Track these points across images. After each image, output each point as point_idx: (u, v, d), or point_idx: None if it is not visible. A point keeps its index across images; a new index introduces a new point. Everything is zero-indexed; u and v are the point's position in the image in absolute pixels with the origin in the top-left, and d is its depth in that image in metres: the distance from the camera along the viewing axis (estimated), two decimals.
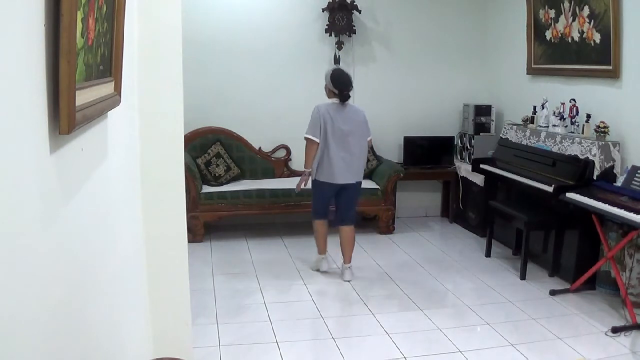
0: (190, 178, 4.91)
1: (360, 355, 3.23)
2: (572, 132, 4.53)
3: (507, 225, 4.87)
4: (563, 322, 3.64)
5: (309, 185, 4.30)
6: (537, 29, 5.13)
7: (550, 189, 4.14)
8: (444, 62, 6.04)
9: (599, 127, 4.17)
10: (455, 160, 5.95)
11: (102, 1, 1.50)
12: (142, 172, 2.54)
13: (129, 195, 2.31)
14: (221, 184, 5.36)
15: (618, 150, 4.12)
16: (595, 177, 4.07)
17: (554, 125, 4.69)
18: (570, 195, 3.94)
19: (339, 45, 5.67)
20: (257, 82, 5.62)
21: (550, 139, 4.62)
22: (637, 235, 3.71)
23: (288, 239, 5.34)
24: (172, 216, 2.64)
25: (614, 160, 4.11)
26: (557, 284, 4.29)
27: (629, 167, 3.88)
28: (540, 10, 5.06)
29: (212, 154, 5.41)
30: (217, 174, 5.37)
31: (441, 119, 6.08)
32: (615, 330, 3.46)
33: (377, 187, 5.45)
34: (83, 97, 1.34)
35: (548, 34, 4.98)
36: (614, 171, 4.06)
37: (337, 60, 5.65)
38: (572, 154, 4.32)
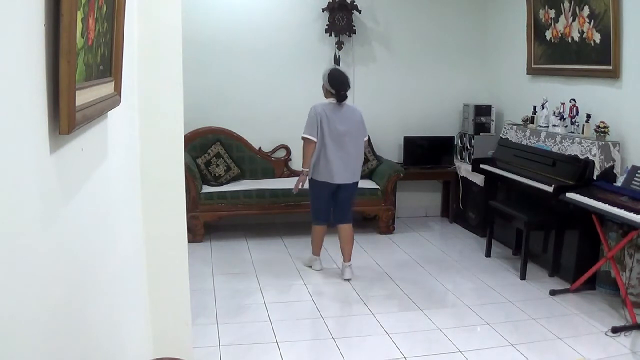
0: (190, 178, 4.91)
1: (360, 355, 3.23)
2: (572, 132, 4.53)
3: (507, 225, 4.87)
4: (563, 322, 3.64)
5: (307, 185, 4.30)
6: (537, 29, 5.13)
7: (550, 189, 4.14)
8: (444, 62, 6.03)
9: (599, 127, 4.17)
10: (455, 160, 5.95)
11: (102, 1, 1.50)
12: (142, 172, 2.54)
13: (129, 195, 2.31)
14: (221, 184, 5.36)
15: (618, 150, 4.12)
16: (595, 177, 4.07)
17: (554, 125, 4.69)
18: (570, 195, 3.94)
19: (339, 45, 5.67)
20: (257, 82, 5.62)
21: (550, 139, 4.62)
22: (637, 235, 3.71)
23: (288, 239, 5.34)
24: (172, 216, 2.65)
25: (614, 160, 4.11)
26: (557, 284, 4.30)
27: (629, 167, 3.88)
28: (540, 10, 5.06)
29: (212, 154, 5.41)
30: (217, 174, 5.37)
31: (441, 119, 6.08)
32: (615, 330, 3.46)
33: (377, 187, 5.45)
34: (83, 97, 1.34)
35: (548, 34, 4.98)
36: (614, 171, 4.06)
37: (337, 60, 5.65)
38: (572, 154, 4.32)
